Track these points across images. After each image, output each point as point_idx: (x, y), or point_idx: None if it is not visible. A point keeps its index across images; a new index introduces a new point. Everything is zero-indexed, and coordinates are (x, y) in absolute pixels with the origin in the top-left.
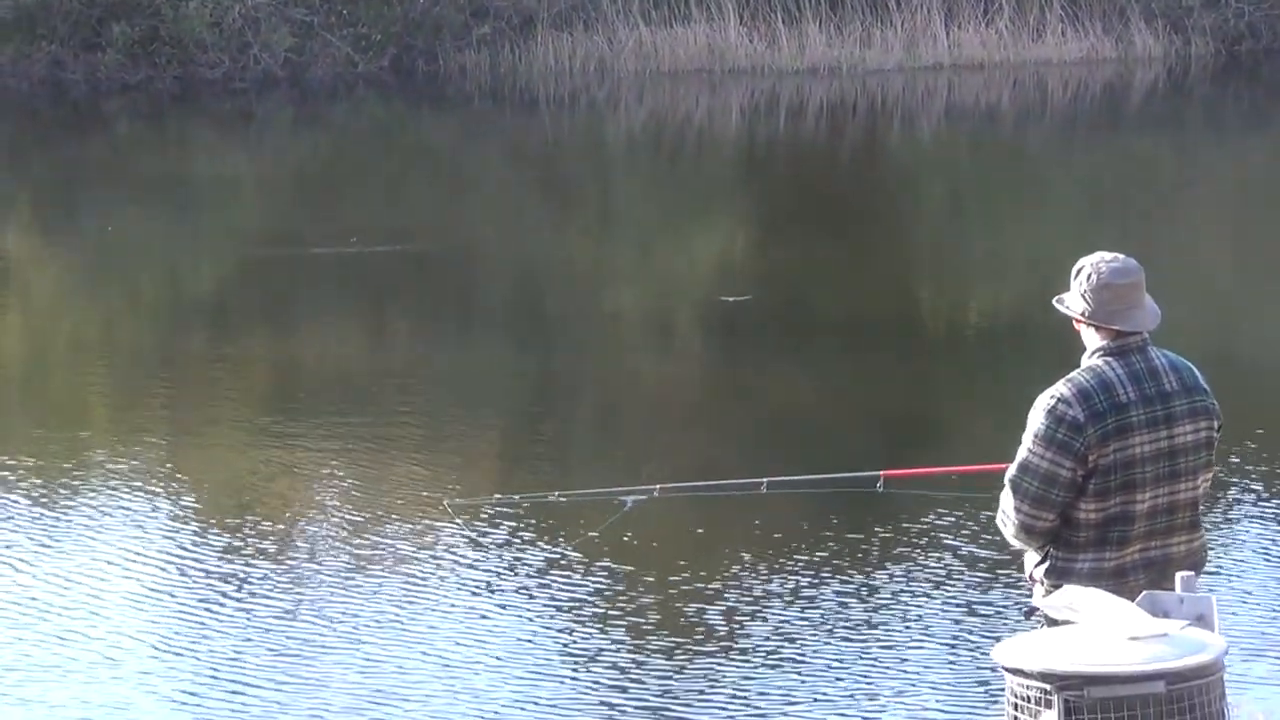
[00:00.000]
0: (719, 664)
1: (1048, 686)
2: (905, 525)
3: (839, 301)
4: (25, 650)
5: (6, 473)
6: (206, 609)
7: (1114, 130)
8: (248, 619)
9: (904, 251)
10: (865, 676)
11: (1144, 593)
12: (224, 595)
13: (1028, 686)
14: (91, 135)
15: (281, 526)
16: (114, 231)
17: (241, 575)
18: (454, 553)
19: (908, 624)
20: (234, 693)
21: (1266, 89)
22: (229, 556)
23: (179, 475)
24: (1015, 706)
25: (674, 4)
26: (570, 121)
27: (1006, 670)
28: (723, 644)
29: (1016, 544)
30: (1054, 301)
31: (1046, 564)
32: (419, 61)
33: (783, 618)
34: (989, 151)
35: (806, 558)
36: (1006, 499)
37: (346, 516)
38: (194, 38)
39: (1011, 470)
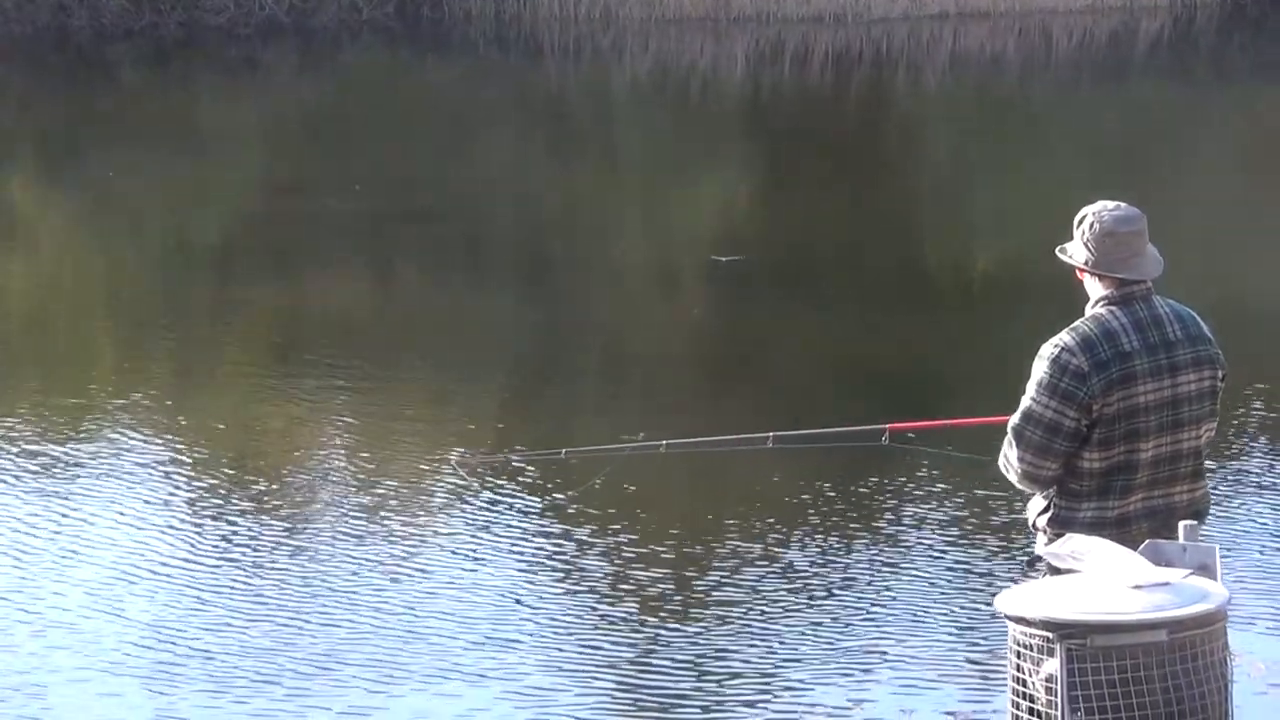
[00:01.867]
0: (726, 617)
1: (1050, 635)
2: (910, 478)
3: (843, 253)
4: (24, 602)
5: (8, 422)
6: (207, 558)
7: (1119, 79)
8: (250, 569)
9: (908, 201)
10: (870, 626)
11: (1147, 541)
12: (225, 543)
13: (1030, 635)
14: (95, 81)
15: (285, 479)
16: (116, 177)
17: (244, 526)
18: (459, 508)
19: (912, 574)
20: (236, 641)
21: (1272, 38)
22: (231, 506)
23: (181, 425)
24: (1018, 655)
25: None
26: (575, 69)
27: (1009, 619)
28: (730, 597)
29: (1020, 487)
30: (1056, 251)
31: (1050, 512)
32: (424, 8)
33: (789, 569)
34: (993, 100)
35: (813, 511)
36: (1010, 448)
37: (351, 470)
38: None
39: (1015, 419)
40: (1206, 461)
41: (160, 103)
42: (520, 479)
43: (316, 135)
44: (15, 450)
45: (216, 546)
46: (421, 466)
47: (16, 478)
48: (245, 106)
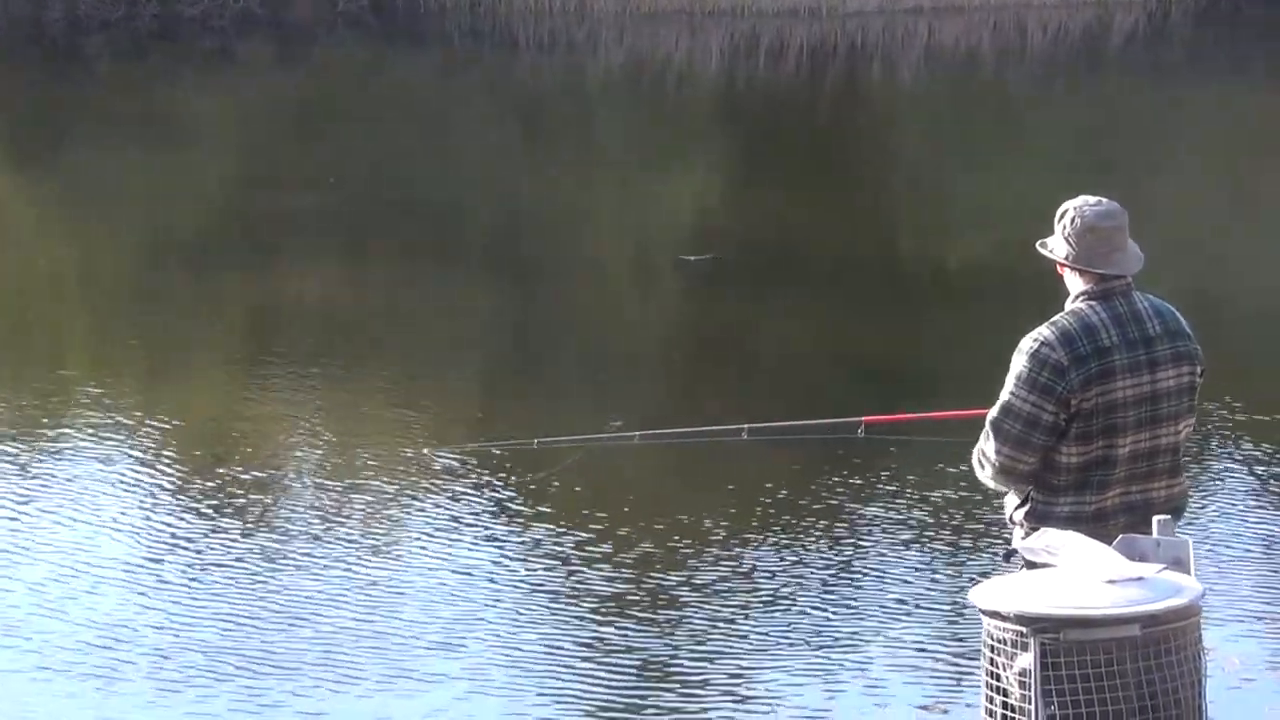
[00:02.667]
0: (700, 609)
1: (1024, 629)
2: (886, 471)
3: (819, 246)
4: None
5: None
6: (168, 554)
7: (1094, 73)
8: (214, 565)
9: (884, 195)
10: (845, 620)
11: (1121, 536)
12: (188, 539)
13: (1004, 629)
14: (70, 73)
15: (254, 472)
16: (90, 168)
17: (209, 521)
18: (430, 500)
19: (888, 567)
20: (205, 633)
21: (1246, 32)
22: (196, 501)
23: (153, 417)
24: (991, 649)
25: None
26: (549, 62)
27: (983, 612)
28: (704, 589)
29: (991, 485)
30: (1037, 245)
31: (1026, 507)
32: (398, 1)
33: (763, 562)
34: (969, 94)
35: (787, 504)
36: (987, 441)
37: (321, 463)
38: None
39: (993, 412)
40: (1184, 458)
41: (135, 95)
42: (492, 469)
43: (291, 128)
44: None
45: (179, 542)
46: (393, 458)
47: None
48: (220, 99)
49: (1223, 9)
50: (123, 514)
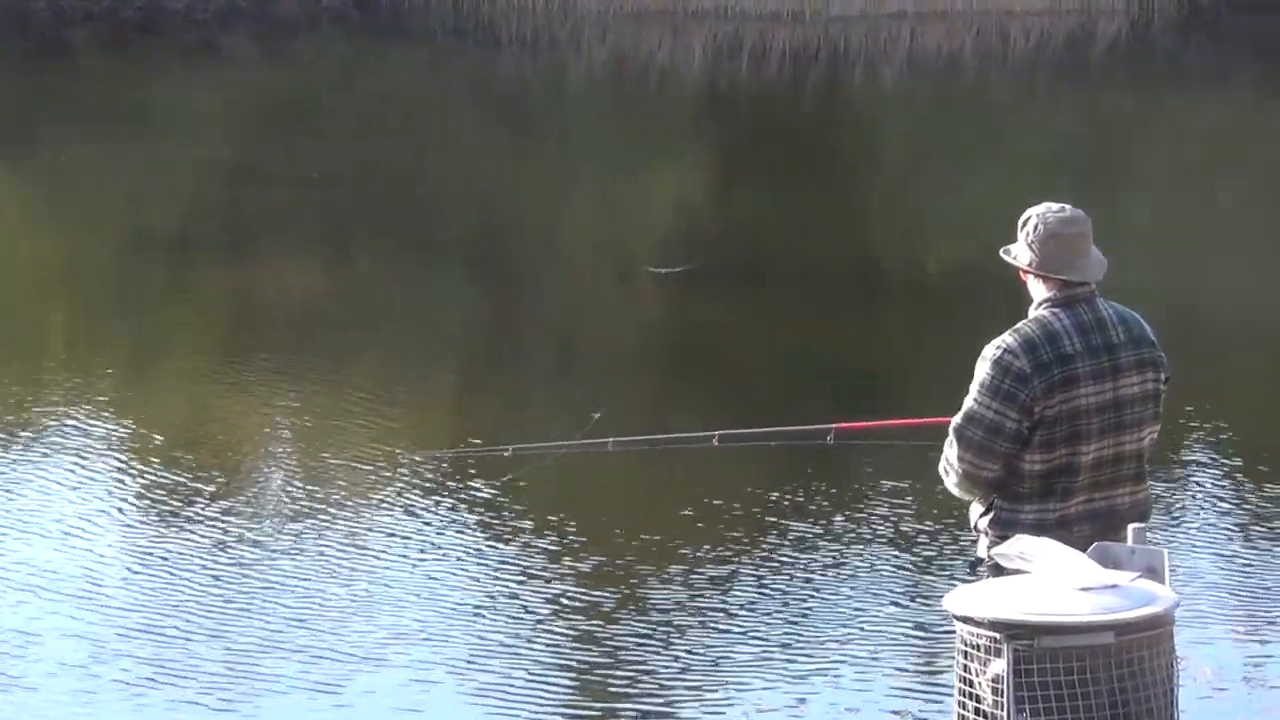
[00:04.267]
0: (668, 616)
1: (997, 635)
2: (856, 478)
3: (793, 251)
4: None
5: None
6: (151, 548)
7: (1075, 81)
8: (193, 561)
9: (859, 202)
10: (815, 626)
11: (1095, 544)
12: (169, 534)
13: (977, 635)
14: (54, 64)
15: (225, 472)
16: (71, 160)
17: (184, 517)
18: (402, 504)
19: (857, 574)
20: (177, 633)
21: (1228, 42)
22: (172, 497)
23: (126, 413)
24: (965, 655)
25: None
26: (532, 60)
27: (957, 619)
28: (673, 596)
29: (957, 493)
30: (1000, 252)
31: (991, 515)
32: None
33: (733, 570)
34: (949, 101)
35: (758, 510)
36: (951, 448)
37: (293, 464)
38: None
39: (957, 419)
40: (1155, 464)
41: (118, 88)
42: (464, 475)
43: (274, 123)
44: None
45: (146, 542)
46: (365, 461)
47: None
48: (203, 93)
49: (1204, 18)
50: (93, 513)
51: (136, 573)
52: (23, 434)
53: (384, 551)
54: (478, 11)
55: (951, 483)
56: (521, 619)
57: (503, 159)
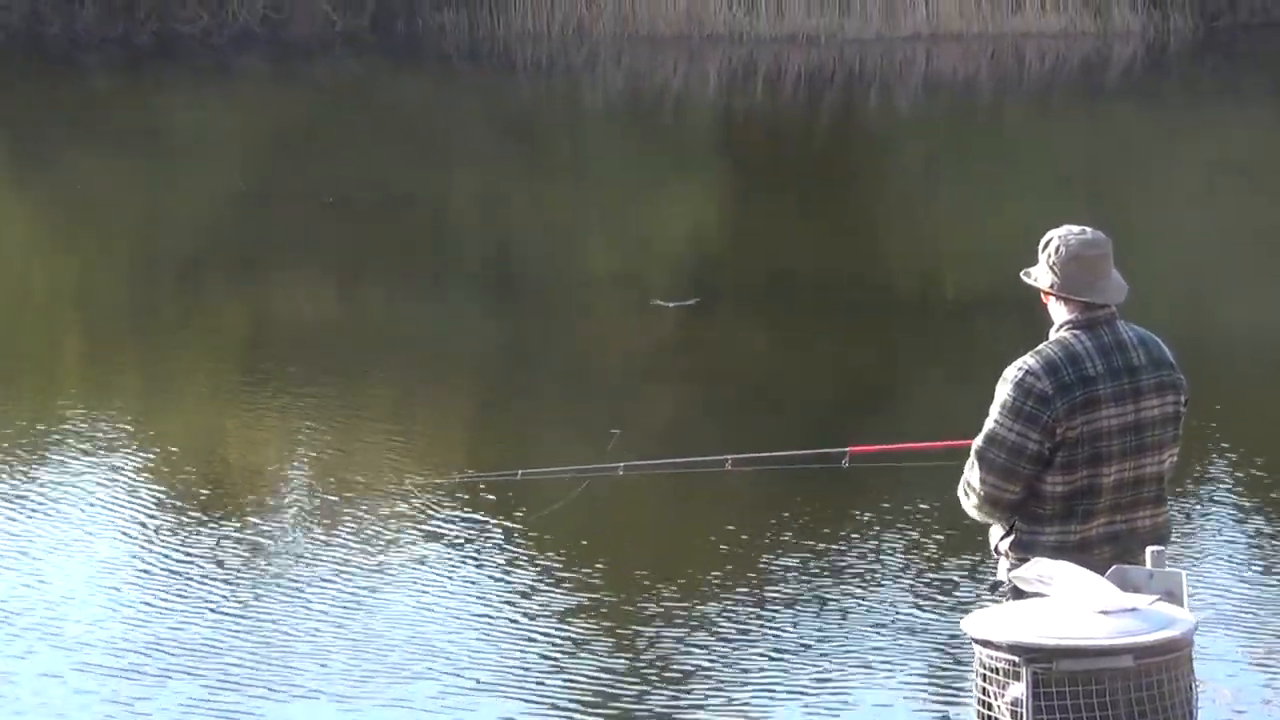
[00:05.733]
0: (683, 641)
1: (1016, 658)
2: (871, 501)
3: (808, 275)
4: None
5: None
6: (164, 574)
7: (1091, 104)
8: (206, 586)
9: (876, 224)
10: (832, 651)
11: (1114, 567)
12: (183, 560)
13: (996, 658)
14: (67, 88)
15: (239, 497)
16: (82, 183)
17: (202, 542)
18: (414, 530)
19: (874, 599)
20: (192, 660)
21: (1244, 65)
22: (190, 522)
23: (140, 437)
24: (984, 678)
25: None
26: (547, 84)
27: (975, 641)
28: (687, 621)
29: (977, 516)
30: (1021, 275)
31: (1011, 537)
32: (398, 21)
33: (748, 594)
34: (965, 123)
35: (772, 534)
36: (972, 471)
37: (306, 489)
38: None
39: (978, 441)
40: (1173, 487)
41: (132, 111)
42: (475, 500)
43: (287, 145)
44: None
45: (161, 567)
46: (378, 486)
47: None
48: (217, 116)
49: (1220, 40)
50: (107, 536)
51: (150, 594)
52: (37, 458)
53: (396, 576)
54: (493, 35)
55: (972, 505)
56: (534, 643)
57: (517, 183)
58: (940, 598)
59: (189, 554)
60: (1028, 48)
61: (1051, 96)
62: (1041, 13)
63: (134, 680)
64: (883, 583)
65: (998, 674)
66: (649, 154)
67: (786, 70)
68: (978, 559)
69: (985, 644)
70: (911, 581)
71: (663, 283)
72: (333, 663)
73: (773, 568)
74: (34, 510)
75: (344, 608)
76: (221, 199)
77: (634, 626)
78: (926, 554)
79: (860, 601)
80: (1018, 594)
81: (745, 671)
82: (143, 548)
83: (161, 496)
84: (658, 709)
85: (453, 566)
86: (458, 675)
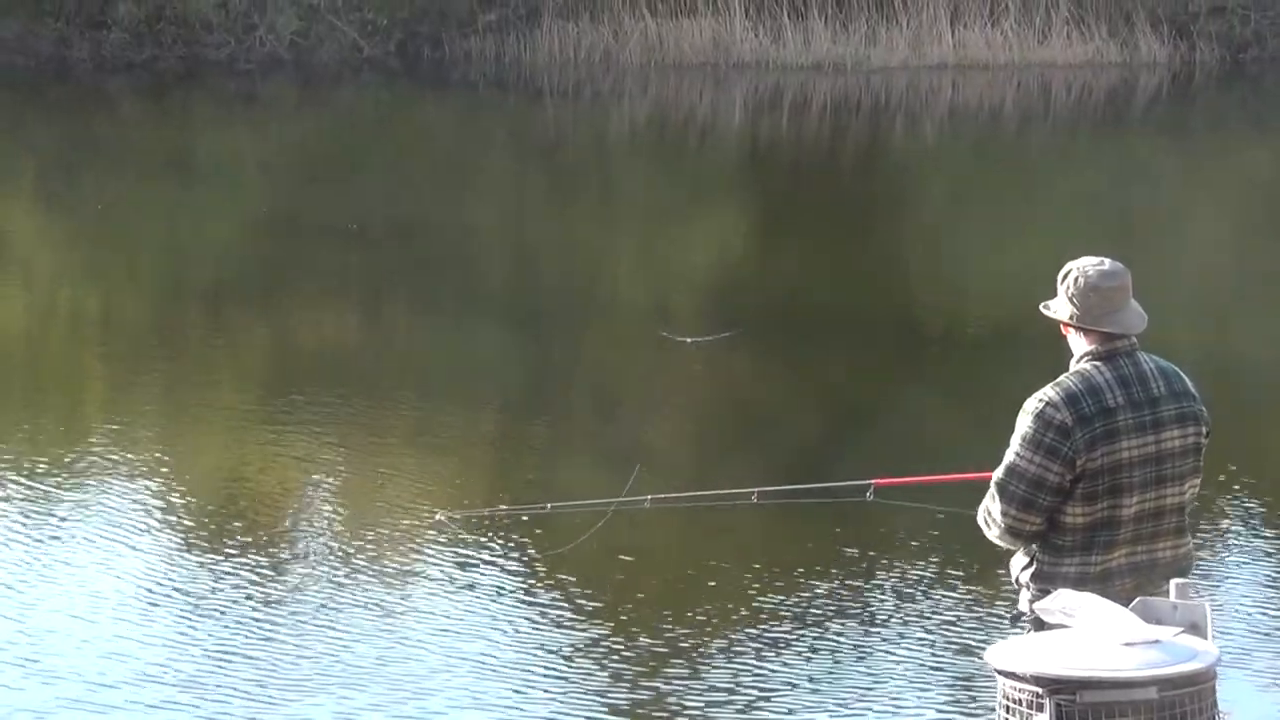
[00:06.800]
0: (709, 674)
1: (1039, 690)
2: (897, 534)
3: (832, 306)
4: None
5: None
6: (189, 604)
7: (1117, 134)
8: (228, 615)
9: (900, 254)
10: (856, 683)
11: (1138, 599)
12: (205, 588)
13: (1019, 690)
14: (95, 113)
15: (265, 526)
16: (111, 209)
17: (225, 570)
18: (441, 562)
19: (899, 630)
20: (209, 687)
21: (1270, 96)
22: (213, 550)
23: (166, 465)
24: (1007, 710)
25: None
26: (574, 112)
27: (999, 673)
28: (714, 654)
29: (1000, 545)
30: (1040, 307)
31: (1032, 568)
32: (424, 47)
33: (773, 627)
34: (991, 153)
35: (798, 567)
36: (993, 502)
37: (332, 520)
38: (200, 18)
39: (998, 473)
40: (1195, 518)
41: (158, 136)
42: (504, 533)
43: (313, 172)
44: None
45: (186, 594)
46: (405, 517)
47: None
48: (243, 142)
49: (1246, 72)
50: (133, 563)
51: (170, 622)
52: (61, 483)
53: (420, 608)
54: (519, 62)
55: (994, 535)
56: (560, 677)
57: (543, 211)
58: (963, 629)
59: (212, 583)
60: (1054, 78)
61: (1077, 127)
62: (1067, 43)
63: (153, 706)
64: (907, 614)
65: (1020, 705)
66: (674, 182)
67: (812, 99)
68: (1000, 590)
69: (1008, 675)
70: (935, 612)
71: (687, 314)
72: (357, 694)
73: (797, 599)
74: (54, 536)
75: (370, 637)
76: (247, 224)
77: (658, 657)
78: (950, 585)
79: (884, 632)
80: (1040, 625)
81: (769, 701)
82: (164, 575)
83: (185, 523)
84: None
85: (477, 599)
86: (482, 710)
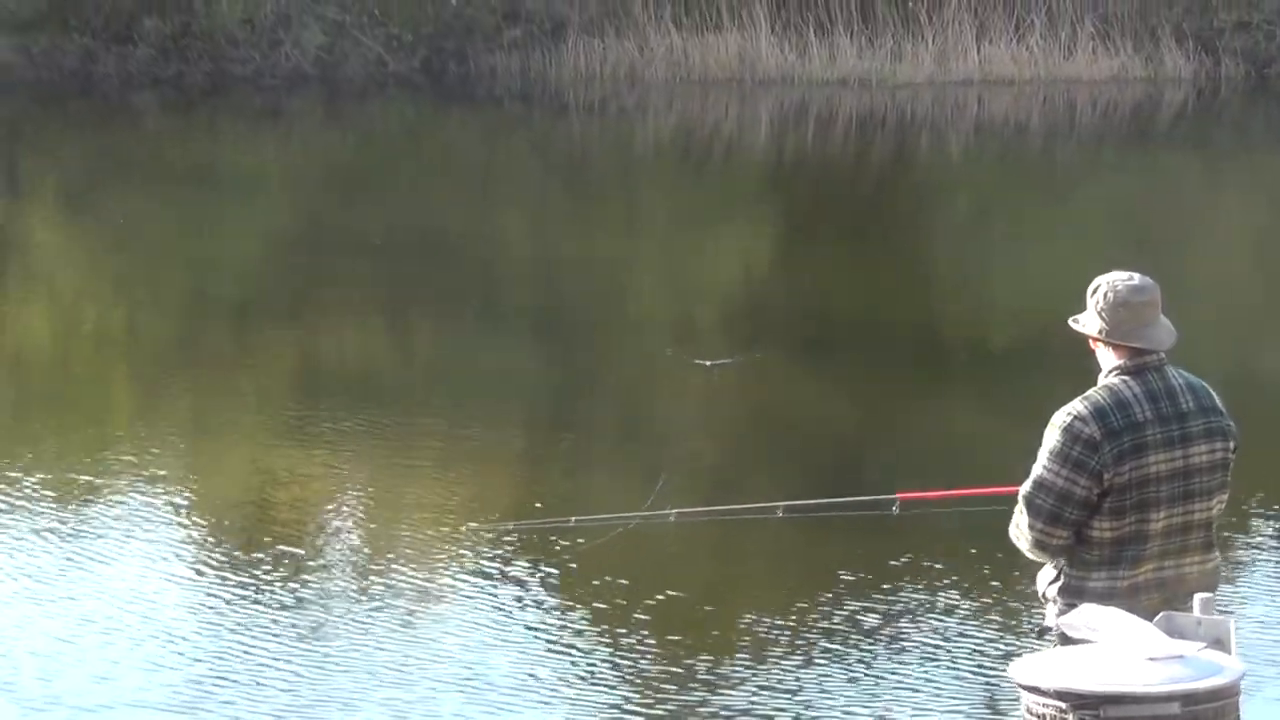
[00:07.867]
0: (735, 687)
1: (1063, 705)
2: (921, 547)
3: (857, 320)
4: (33, 647)
5: (21, 465)
6: (214, 616)
7: (1142, 149)
8: (255, 629)
9: (926, 268)
10: (881, 695)
11: (1162, 613)
12: (230, 601)
13: (1044, 705)
14: (120, 127)
15: (290, 538)
16: (134, 223)
17: (250, 584)
18: (466, 575)
19: (923, 644)
20: (236, 699)
21: None
22: (239, 565)
23: (190, 478)
24: None
25: (706, 12)
26: (599, 127)
27: (1023, 688)
28: (739, 667)
29: (1031, 556)
30: (1069, 321)
31: (1060, 582)
32: (450, 62)
33: (798, 641)
34: (1017, 168)
35: (822, 581)
36: (1020, 515)
37: (357, 533)
38: (226, 34)
39: (1026, 487)
40: (1221, 533)
41: (183, 151)
42: (528, 546)
43: (339, 187)
44: (26, 494)
45: (210, 607)
46: (431, 529)
47: (27, 522)
48: (268, 157)
49: (1271, 87)
50: (155, 578)
51: (199, 636)
52: (87, 498)
53: (446, 620)
54: (545, 77)
55: (1023, 548)
56: (585, 691)
57: (568, 226)
58: (987, 643)
59: (238, 595)
60: (1079, 93)
61: (1103, 142)
62: (1093, 59)
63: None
64: (931, 628)
65: None
66: (700, 197)
67: (838, 114)
68: (1025, 605)
69: (1032, 690)
70: (959, 627)
71: (712, 329)
72: (385, 706)
73: (822, 614)
74: (81, 550)
75: (397, 649)
76: (271, 239)
77: (683, 672)
78: (974, 599)
79: (908, 646)
80: (1065, 640)
81: (796, 717)
82: (191, 588)
83: (213, 537)
84: None
85: (502, 613)
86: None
